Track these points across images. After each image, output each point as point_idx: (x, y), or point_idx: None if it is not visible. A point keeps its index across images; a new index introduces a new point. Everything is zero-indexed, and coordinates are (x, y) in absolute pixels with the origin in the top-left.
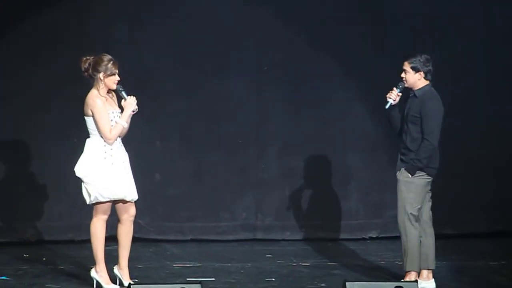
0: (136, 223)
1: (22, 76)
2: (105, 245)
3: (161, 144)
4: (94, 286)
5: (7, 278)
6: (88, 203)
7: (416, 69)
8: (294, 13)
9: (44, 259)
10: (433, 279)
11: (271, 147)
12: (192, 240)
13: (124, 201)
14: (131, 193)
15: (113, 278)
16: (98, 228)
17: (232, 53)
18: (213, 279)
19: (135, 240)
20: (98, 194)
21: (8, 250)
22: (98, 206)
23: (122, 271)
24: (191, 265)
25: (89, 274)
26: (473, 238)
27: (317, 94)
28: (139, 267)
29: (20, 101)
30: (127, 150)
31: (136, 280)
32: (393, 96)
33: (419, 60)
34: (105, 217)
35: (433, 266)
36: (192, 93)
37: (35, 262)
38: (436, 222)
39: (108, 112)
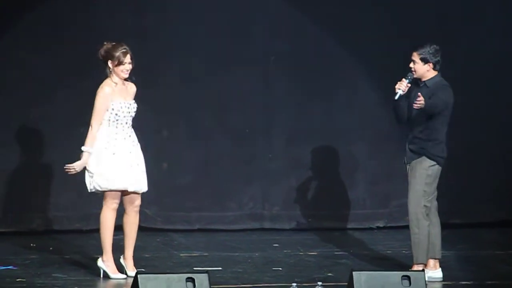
0: (143, 212)
1: (28, 67)
2: (113, 234)
3: (168, 133)
4: (101, 275)
5: (14, 268)
6: (88, 189)
7: (425, 60)
8: (302, 3)
9: (51, 248)
10: (440, 269)
11: (278, 137)
12: (199, 230)
13: (128, 192)
14: (135, 184)
15: (120, 268)
16: (107, 217)
17: (239, 43)
18: (220, 268)
19: (142, 229)
20: (96, 183)
21: (15, 240)
22: (107, 194)
23: (126, 261)
24: (198, 254)
25: (96, 263)
26: (479, 228)
27: (324, 84)
28: (146, 257)
29: (27, 92)
30: None
31: (143, 270)
32: (403, 87)
33: (428, 51)
34: (115, 206)
35: (439, 256)
36: (199, 83)
37: (42, 252)
38: (443, 211)
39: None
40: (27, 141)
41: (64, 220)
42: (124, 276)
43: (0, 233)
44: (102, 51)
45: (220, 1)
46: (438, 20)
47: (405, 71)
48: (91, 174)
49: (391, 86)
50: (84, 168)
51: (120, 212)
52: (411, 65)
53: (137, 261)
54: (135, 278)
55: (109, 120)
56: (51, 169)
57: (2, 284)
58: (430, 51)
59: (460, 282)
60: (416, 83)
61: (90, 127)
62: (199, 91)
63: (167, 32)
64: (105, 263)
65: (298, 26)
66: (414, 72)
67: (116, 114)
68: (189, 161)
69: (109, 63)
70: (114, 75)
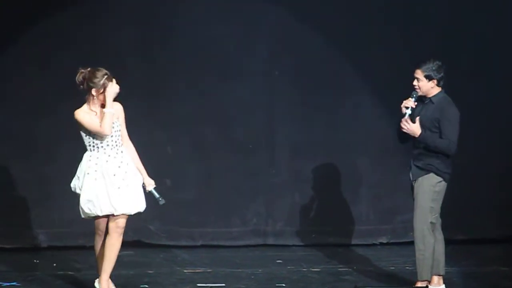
0: (146, 228)
1: (31, 79)
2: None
3: (172, 149)
4: None
5: (18, 284)
6: (82, 216)
7: (429, 77)
8: (306, 18)
9: (54, 265)
10: (443, 285)
11: (282, 152)
12: (203, 246)
13: (112, 214)
14: (121, 207)
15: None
16: (96, 242)
17: (243, 57)
18: (223, 285)
19: (145, 245)
20: (80, 209)
21: (18, 256)
22: (95, 221)
23: (101, 285)
24: (201, 270)
25: (96, 281)
26: (484, 244)
27: (327, 98)
28: (150, 273)
29: (30, 105)
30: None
31: (147, 286)
32: (410, 104)
33: (432, 68)
34: (99, 231)
35: (443, 272)
36: (203, 97)
37: (45, 268)
38: (447, 227)
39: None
40: (30, 155)
41: (68, 236)
42: None
43: (4, 249)
44: (82, 79)
45: (225, 14)
46: (443, 34)
47: (410, 86)
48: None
49: (395, 100)
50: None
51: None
52: (415, 82)
53: (141, 278)
54: None
55: (89, 145)
56: (55, 184)
57: None
58: (434, 68)
59: None
60: (421, 99)
61: (101, 134)
62: (202, 105)
63: (171, 46)
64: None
65: (302, 40)
66: (418, 90)
67: (94, 138)
68: (193, 176)
69: (93, 91)
70: (94, 101)
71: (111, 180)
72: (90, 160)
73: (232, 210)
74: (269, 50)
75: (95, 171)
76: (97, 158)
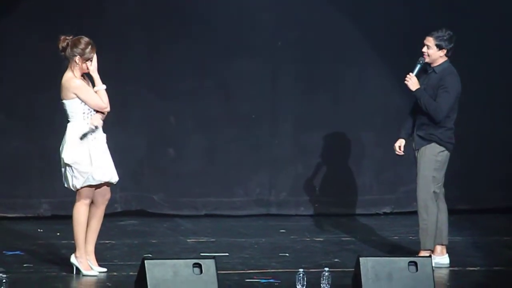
0: (150, 198)
1: (33, 53)
2: (120, 220)
3: (175, 120)
4: (74, 272)
5: (21, 253)
6: (78, 187)
7: (440, 46)
8: None
9: (58, 234)
10: (447, 254)
11: (285, 124)
12: (206, 216)
13: (103, 184)
14: (115, 175)
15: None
16: (81, 213)
17: (245, 29)
18: (226, 254)
19: (149, 215)
20: (91, 177)
21: (22, 225)
22: (82, 190)
23: (90, 256)
24: (205, 240)
25: (73, 257)
26: (487, 213)
27: (331, 71)
28: (153, 242)
29: (33, 78)
30: (141, 127)
31: (150, 255)
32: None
33: (444, 37)
34: (89, 201)
35: (446, 242)
36: (206, 69)
37: (49, 237)
38: (451, 197)
39: None
40: (33, 126)
41: (71, 205)
42: (96, 272)
43: (7, 218)
44: (66, 45)
45: None
46: (450, 6)
47: (414, 58)
48: (81, 170)
49: (399, 72)
50: (65, 166)
51: (125, 198)
52: (425, 49)
53: (144, 247)
54: (142, 263)
55: (84, 113)
56: (58, 154)
57: (9, 269)
58: (445, 37)
59: (467, 268)
60: (425, 69)
61: (103, 109)
62: (205, 78)
63: (173, 19)
64: (78, 259)
65: (305, 12)
66: (426, 57)
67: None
68: (196, 147)
69: (77, 59)
70: (77, 69)
71: (104, 147)
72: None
73: (235, 181)
74: (272, 21)
75: (95, 138)
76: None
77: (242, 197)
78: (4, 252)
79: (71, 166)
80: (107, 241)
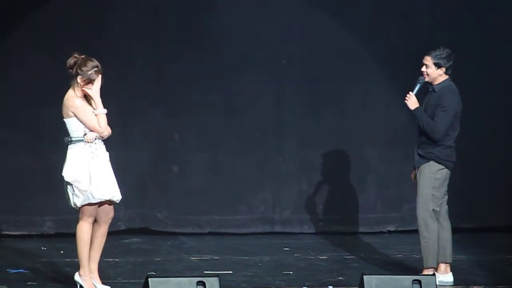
0: (154, 216)
1: (35, 69)
2: (124, 238)
3: (179, 137)
4: None
5: (25, 271)
6: (78, 205)
7: (438, 65)
8: (313, 5)
9: (62, 252)
10: (451, 273)
11: (289, 141)
12: (210, 233)
13: (106, 203)
14: (117, 193)
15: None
16: (85, 231)
17: (250, 46)
18: (230, 272)
19: (152, 233)
20: (90, 195)
21: (26, 243)
22: (85, 208)
23: (93, 275)
24: (208, 258)
25: (77, 275)
26: (491, 232)
27: (335, 87)
28: (157, 260)
29: (37, 93)
30: (145, 143)
31: (154, 273)
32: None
33: (441, 55)
34: (92, 219)
35: (450, 260)
36: (211, 86)
37: (52, 255)
38: (454, 215)
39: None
40: (37, 143)
41: (75, 223)
42: None
43: (11, 236)
44: (73, 63)
45: (232, 3)
46: (451, 23)
47: (417, 75)
48: (81, 188)
49: (403, 89)
50: (68, 185)
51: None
52: (424, 69)
53: (148, 265)
54: (146, 281)
55: (84, 133)
56: (62, 172)
57: (13, 287)
58: (443, 55)
59: (471, 286)
60: (426, 87)
61: (98, 133)
62: (210, 95)
63: (179, 34)
64: (82, 277)
65: (309, 29)
66: (426, 76)
67: None
68: (200, 164)
69: (79, 79)
70: (78, 89)
71: (107, 165)
72: (90, 146)
73: (240, 198)
74: (276, 38)
75: (97, 156)
76: (95, 143)
77: (246, 215)
78: (8, 270)
79: (71, 184)
80: (110, 259)
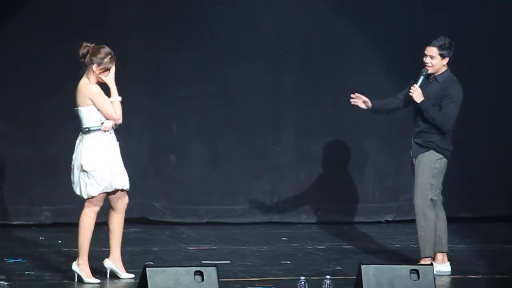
0: (151, 205)
1: (35, 61)
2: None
3: (178, 127)
4: (76, 279)
5: (23, 261)
6: (94, 194)
7: (443, 56)
8: None
9: (59, 241)
10: (448, 262)
11: (288, 131)
12: (208, 223)
13: (118, 190)
14: (127, 181)
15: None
16: (90, 220)
17: (247, 36)
18: (228, 262)
19: (150, 222)
20: (109, 185)
21: (24, 233)
22: (94, 198)
23: (118, 263)
24: (206, 248)
25: (104, 257)
26: (488, 222)
27: (333, 78)
28: (155, 250)
29: (35, 85)
30: (143, 134)
31: (152, 263)
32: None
33: (445, 45)
34: (98, 209)
35: (446, 249)
36: (209, 77)
37: (50, 245)
38: (452, 205)
39: None
40: (35, 134)
41: (72, 213)
42: (98, 280)
43: (9, 226)
44: (86, 52)
45: None
46: (452, 13)
47: (416, 66)
48: (99, 177)
49: (402, 79)
50: (81, 173)
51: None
52: (428, 60)
53: (146, 254)
54: (144, 271)
55: (101, 120)
56: (59, 161)
57: (11, 277)
58: (447, 45)
59: (469, 276)
60: (426, 77)
61: (114, 120)
62: (208, 85)
63: (177, 25)
64: (80, 266)
65: (308, 19)
66: (429, 68)
67: None
68: (198, 154)
69: (94, 67)
70: (93, 77)
71: (118, 154)
72: (106, 135)
73: (237, 188)
74: (275, 29)
75: (112, 144)
76: (110, 133)
77: (244, 205)
78: (5, 259)
79: (87, 173)
80: (108, 249)
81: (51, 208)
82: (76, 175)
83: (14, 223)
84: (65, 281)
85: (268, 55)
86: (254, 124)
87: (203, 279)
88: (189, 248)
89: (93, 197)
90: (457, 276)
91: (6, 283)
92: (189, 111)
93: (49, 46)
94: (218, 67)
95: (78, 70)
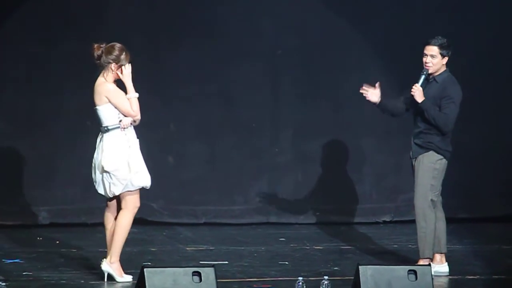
0: (149, 206)
1: (34, 60)
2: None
3: (175, 127)
4: (105, 278)
5: (21, 261)
6: (117, 193)
7: (443, 55)
8: None
9: (57, 242)
10: (446, 263)
11: (285, 131)
12: (206, 224)
13: (139, 190)
14: (149, 179)
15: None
16: (129, 221)
17: (246, 36)
18: (226, 262)
19: (148, 223)
20: (130, 183)
21: (21, 233)
22: (130, 198)
23: (114, 265)
24: (204, 248)
25: (100, 266)
26: (486, 222)
27: (331, 78)
28: (153, 250)
29: (34, 85)
30: (141, 133)
31: (149, 263)
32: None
33: (445, 44)
34: (136, 209)
35: (445, 250)
36: (207, 76)
37: (48, 245)
38: (451, 206)
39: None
40: (33, 134)
41: (70, 213)
42: (131, 277)
43: (6, 226)
44: (101, 52)
45: None
46: (452, 13)
47: (415, 65)
48: (120, 176)
49: (401, 79)
50: (103, 173)
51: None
52: (428, 59)
53: (144, 255)
54: (141, 271)
55: (119, 118)
56: (57, 162)
57: (8, 278)
58: (446, 45)
59: (467, 277)
60: (426, 78)
61: (132, 116)
62: (206, 85)
63: (177, 26)
64: (113, 265)
65: (305, 19)
66: (430, 67)
67: None
68: (196, 155)
69: (112, 66)
70: (110, 75)
71: (139, 152)
72: (126, 134)
73: (235, 189)
74: (273, 29)
75: (133, 143)
76: (129, 131)
77: (242, 205)
78: (3, 260)
79: (109, 173)
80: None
81: (48, 209)
82: (98, 174)
83: (12, 223)
84: (63, 281)
85: (267, 55)
86: (252, 125)
87: (201, 280)
88: (187, 248)
89: (115, 195)
90: (455, 277)
91: (4, 284)
92: (187, 111)
93: (48, 44)
94: (217, 67)
95: (76, 71)
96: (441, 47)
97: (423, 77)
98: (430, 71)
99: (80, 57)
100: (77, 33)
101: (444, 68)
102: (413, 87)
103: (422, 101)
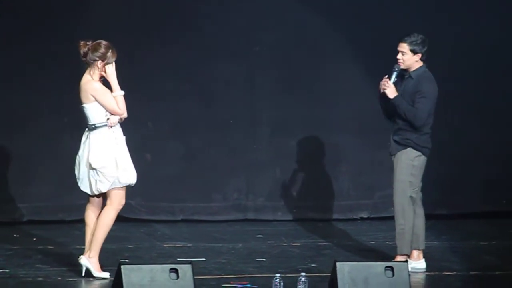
0: (127, 203)
1: (12, 57)
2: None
3: (153, 125)
4: (83, 273)
5: None
6: (103, 190)
7: (414, 51)
8: None
9: (34, 239)
10: (423, 259)
11: (263, 128)
12: (183, 221)
13: (125, 187)
14: (135, 177)
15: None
16: (112, 219)
17: (223, 33)
18: (203, 259)
19: (126, 220)
20: (117, 180)
21: None
22: (115, 194)
23: (92, 260)
24: (181, 245)
25: (79, 260)
26: (464, 219)
27: (308, 75)
28: (130, 247)
29: (11, 82)
30: None
31: (127, 260)
32: (390, 84)
33: (417, 41)
34: (121, 207)
35: (423, 246)
36: (184, 73)
37: (25, 242)
38: (429, 202)
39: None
40: (8, 131)
41: (47, 210)
42: (108, 274)
43: None
44: (87, 50)
45: None
46: (452, 13)
47: (392, 61)
48: (108, 173)
49: (377, 76)
50: (90, 170)
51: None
52: (399, 56)
53: (121, 252)
54: (118, 268)
55: (106, 116)
56: (34, 159)
57: None
58: (418, 41)
59: (444, 273)
60: (402, 75)
61: (117, 114)
62: (183, 82)
63: (152, 22)
64: (91, 259)
65: (282, 15)
66: (401, 64)
67: None
68: (174, 152)
69: (98, 63)
70: (96, 73)
71: (126, 149)
72: (113, 132)
73: (213, 185)
74: (249, 25)
75: (121, 141)
76: (117, 128)
77: (220, 202)
78: None
79: (96, 170)
80: (83, 246)
81: (25, 206)
82: (82, 171)
83: None
84: (39, 278)
85: (243, 52)
86: (229, 121)
87: (178, 277)
88: (164, 245)
89: (102, 193)
90: (432, 273)
91: None
92: (164, 108)
93: (29, 42)
94: (193, 64)
95: (52, 66)
96: (411, 43)
97: (395, 73)
98: (402, 67)
99: (57, 54)
100: (51, 32)
101: (418, 65)
102: (385, 83)
103: (394, 97)
